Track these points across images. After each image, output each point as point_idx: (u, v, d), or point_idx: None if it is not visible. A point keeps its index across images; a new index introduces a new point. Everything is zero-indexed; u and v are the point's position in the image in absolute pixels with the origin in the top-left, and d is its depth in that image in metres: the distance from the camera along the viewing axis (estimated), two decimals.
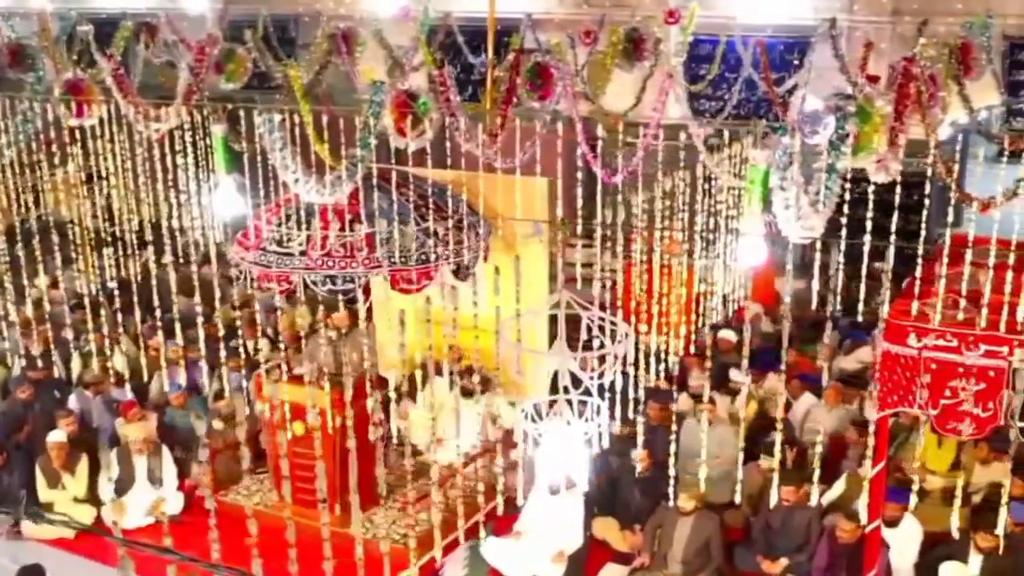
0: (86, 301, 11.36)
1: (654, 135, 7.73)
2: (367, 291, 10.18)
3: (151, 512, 9.54)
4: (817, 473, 7.64)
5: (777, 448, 7.35)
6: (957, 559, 8.10)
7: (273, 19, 13.37)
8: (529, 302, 7.55)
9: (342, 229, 8.59)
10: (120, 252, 12.76)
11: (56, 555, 8.96)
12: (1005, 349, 6.39)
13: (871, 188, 7.54)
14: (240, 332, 10.42)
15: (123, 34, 10.45)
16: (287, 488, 7.97)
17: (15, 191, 13.01)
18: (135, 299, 10.79)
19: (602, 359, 5.72)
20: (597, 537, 9.11)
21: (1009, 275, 6.51)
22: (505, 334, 6.44)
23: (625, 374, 6.47)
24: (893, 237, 7.13)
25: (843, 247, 9.98)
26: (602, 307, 7.04)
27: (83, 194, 12.57)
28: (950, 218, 6.98)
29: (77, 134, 11.25)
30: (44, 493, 9.70)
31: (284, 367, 8.69)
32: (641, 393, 8.08)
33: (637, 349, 9.00)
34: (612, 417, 6.50)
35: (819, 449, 7.40)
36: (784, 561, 8.61)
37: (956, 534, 7.81)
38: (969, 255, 6.84)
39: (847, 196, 7.53)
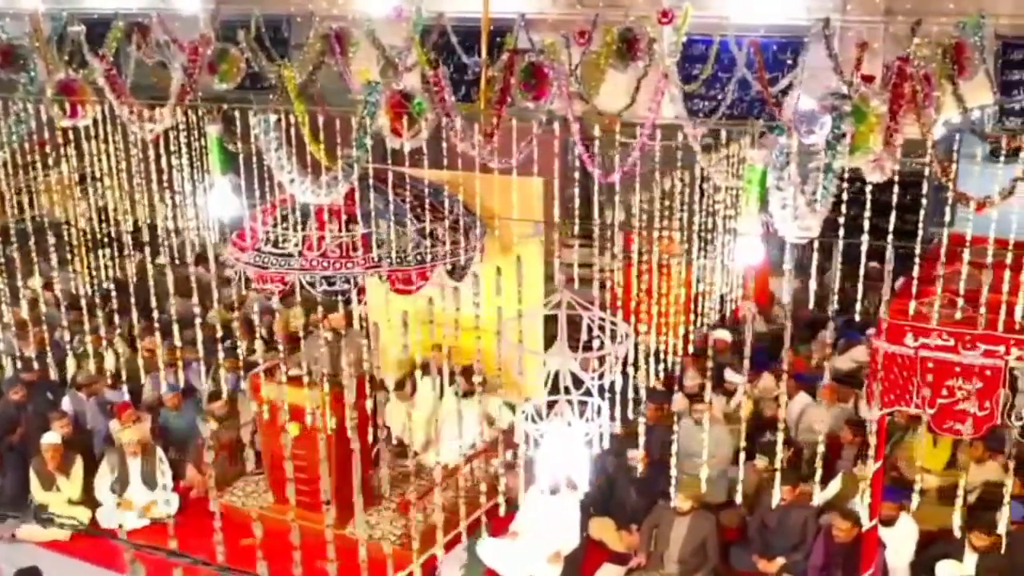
0: (82, 303, 11.31)
1: (649, 135, 7.73)
2: (361, 292, 10.17)
3: (143, 514, 9.54)
4: (819, 473, 7.64)
5: (779, 447, 7.34)
6: (953, 558, 8.14)
7: (265, 19, 13.30)
8: (526, 302, 7.54)
9: (338, 230, 8.57)
10: (115, 253, 12.71)
11: (51, 557, 8.92)
12: (1002, 348, 6.41)
13: (866, 188, 7.54)
14: (235, 332, 10.40)
15: (115, 34, 10.42)
16: (291, 490, 7.92)
17: (9, 192, 12.95)
18: (130, 300, 10.75)
19: (602, 359, 5.72)
20: (593, 537, 9.12)
21: (1007, 274, 6.52)
22: (506, 335, 6.43)
23: (625, 374, 6.47)
24: (891, 237, 7.11)
25: (840, 246, 9.98)
26: (601, 307, 7.03)
27: (77, 195, 12.53)
28: (947, 217, 6.99)
29: (70, 135, 11.20)
30: (38, 495, 9.67)
31: (282, 367, 8.67)
32: (643, 393, 8.07)
33: (636, 349, 9.01)
34: (612, 418, 6.48)
35: (821, 448, 7.39)
36: (780, 560, 8.63)
37: (957, 532, 7.81)
38: (966, 254, 6.84)
39: (843, 196, 7.52)
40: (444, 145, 8.43)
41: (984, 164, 7.35)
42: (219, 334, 10.37)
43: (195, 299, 10.44)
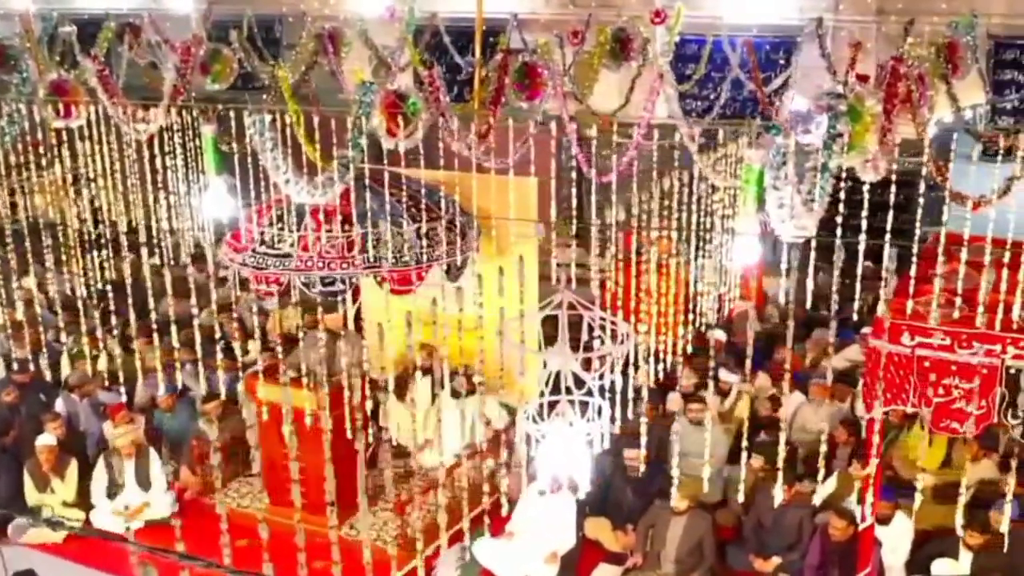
0: (76, 303, 11.25)
1: (644, 135, 7.72)
2: (356, 292, 10.16)
3: (132, 516, 9.50)
4: (821, 473, 7.65)
5: (781, 447, 7.34)
6: (948, 556, 8.16)
7: (258, 19, 13.28)
8: (522, 303, 7.51)
9: (332, 230, 8.55)
10: (109, 253, 12.65)
11: (44, 560, 8.90)
12: (998, 347, 6.43)
13: (859, 187, 7.55)
14: (226, 333, 10.35)
15: (106, 35, 10.37)
16: (296, 492, 7.92)
17: (2, 193, 12.88)
18: (123, 301, 10.69)
19: (602, 359, 5.72)
20: (590, 537, 9.11)
21: (1005, 273, 6.54)
22: (508, 335, 6.42)
23: (625, 374, 6.47)
24: (888, 236, 7.11)
25: (837, 246, 9.98)
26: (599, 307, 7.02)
27: (71, 196, 12.47)
28: (945, 216, 7.01)
29: (64, 135, 11.15)
30: (33, 497, 9.63)
31: (281, 368, 8.64)
32: (643, 393, 8.06)
33: (636, 349, 9.00)
34: (612, 419, 6.48)
35: (823, 448, 7.41)
36: (776, 560, 8.65)
37: (960, 531, 7.82)
38: (963, 254, 6.86)
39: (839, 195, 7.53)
40: (441, 145, 8.43)
41: (979, 163, 7.35)
42: (215, 335, 10.33)
43: (192, 300, 10.38)
